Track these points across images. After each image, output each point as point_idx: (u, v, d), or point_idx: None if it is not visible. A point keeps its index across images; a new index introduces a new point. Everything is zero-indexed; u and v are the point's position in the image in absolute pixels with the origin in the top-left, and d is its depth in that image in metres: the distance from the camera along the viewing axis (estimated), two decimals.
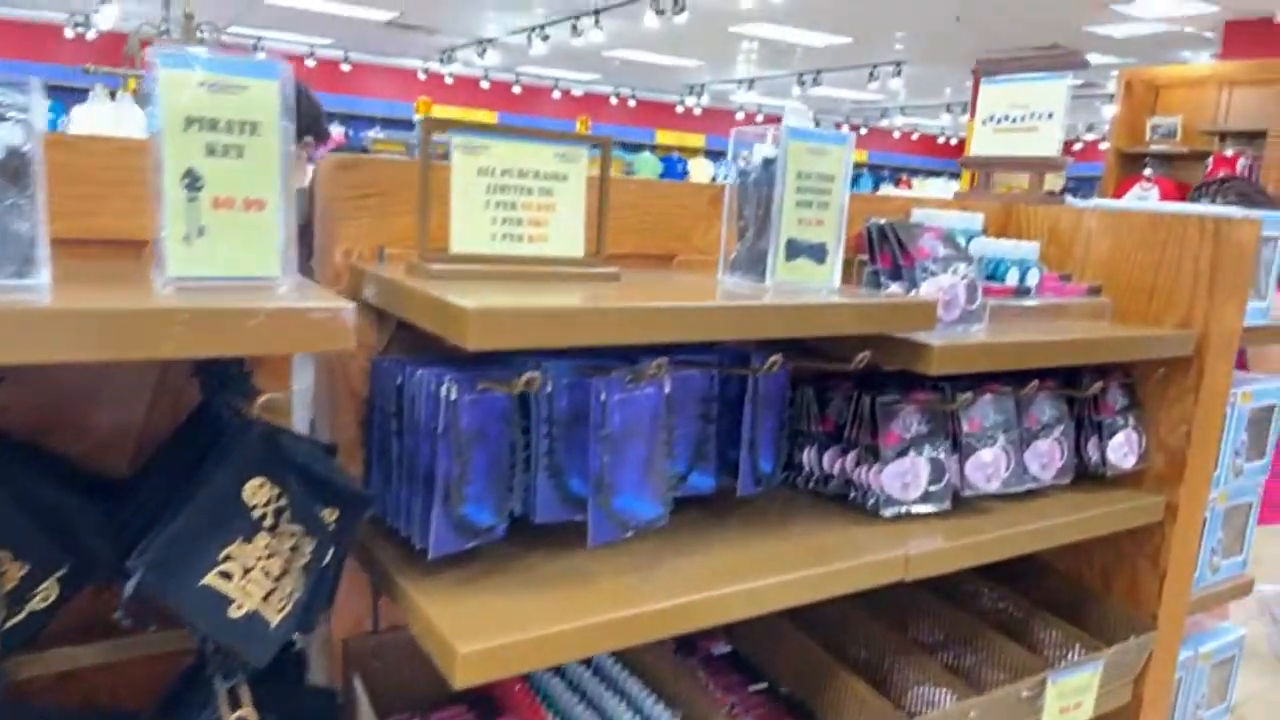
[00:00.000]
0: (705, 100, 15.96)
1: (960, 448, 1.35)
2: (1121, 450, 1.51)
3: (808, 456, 1.39)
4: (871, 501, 1.30)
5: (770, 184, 1.11)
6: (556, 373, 1.03)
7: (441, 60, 13.25)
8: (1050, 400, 1.47)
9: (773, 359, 1.07)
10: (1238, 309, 1.50)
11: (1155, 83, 8.23)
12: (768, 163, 1.12)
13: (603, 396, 0.97)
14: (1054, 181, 1.91)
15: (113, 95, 4.80)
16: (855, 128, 18.58)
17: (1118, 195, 7.30)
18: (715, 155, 16.09)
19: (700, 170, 16.08)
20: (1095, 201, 1.78)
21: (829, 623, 1.59)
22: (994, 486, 1.36)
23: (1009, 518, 1.36)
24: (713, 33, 10.18)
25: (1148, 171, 7.61)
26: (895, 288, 1.29)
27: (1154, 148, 7.81)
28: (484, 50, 12.17)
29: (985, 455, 1.35)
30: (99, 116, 3.72)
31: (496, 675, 0.89)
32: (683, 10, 8.05)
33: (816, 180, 1.12)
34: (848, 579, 1.15)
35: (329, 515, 0.94)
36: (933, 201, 1.67)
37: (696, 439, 1.20)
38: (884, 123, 19.25)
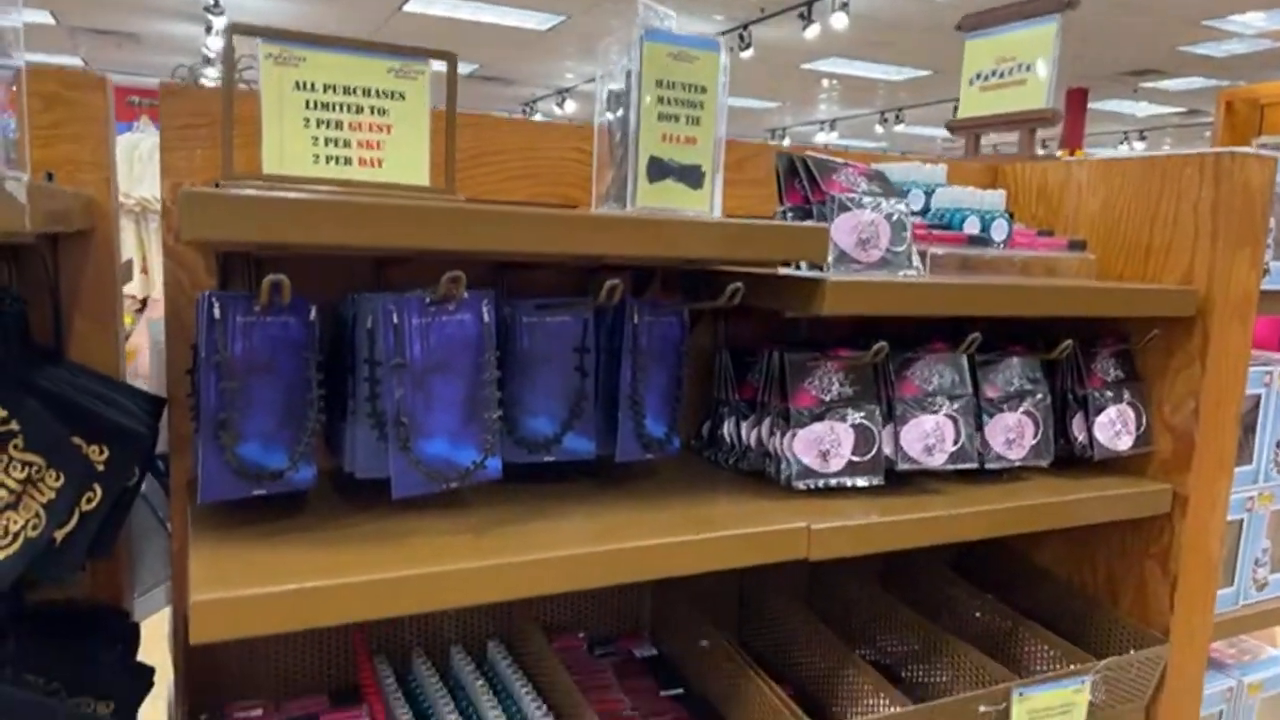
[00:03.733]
0: (788, 143, 15.85)
1: (894, 414, 1.16)
2: (1112, 429, 1.29)
3: (727, 429, 1.23)
4: (785, 474, 1.12)
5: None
6: (374, 304, 0.91)
7: (524, 111, 13.56)
8: (1021, 367, 1.27)
9: (610, 283, 0.92)
10: (1250, 262, 1.27)
11: (1259, 101, 7.67)
12: (630, 77, 0.99)
13: (395, 319, 0.84)
14: None
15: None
16: None
17: None
18: None
19: None
20: (1091, 154, 1.57)
21: (777, 629, 1.40)
22: (938, 461, 1.17)
23: (957, 498, 1.16)
24: (785, 70, 10.09)
25: None
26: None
27: None
28: (563, 100, 12.41)
29: (926, 423, 1.16)
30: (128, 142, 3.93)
31: (243, 631, 0.76)
32: (748, 47, 7.99)
33: (682, 91, 0.98)
34: (726, 551, 0.97)
35: (95, 453, 0.84)
36: (900, 158, 1.50)
37: (571, 395, 1.06)
38: None
